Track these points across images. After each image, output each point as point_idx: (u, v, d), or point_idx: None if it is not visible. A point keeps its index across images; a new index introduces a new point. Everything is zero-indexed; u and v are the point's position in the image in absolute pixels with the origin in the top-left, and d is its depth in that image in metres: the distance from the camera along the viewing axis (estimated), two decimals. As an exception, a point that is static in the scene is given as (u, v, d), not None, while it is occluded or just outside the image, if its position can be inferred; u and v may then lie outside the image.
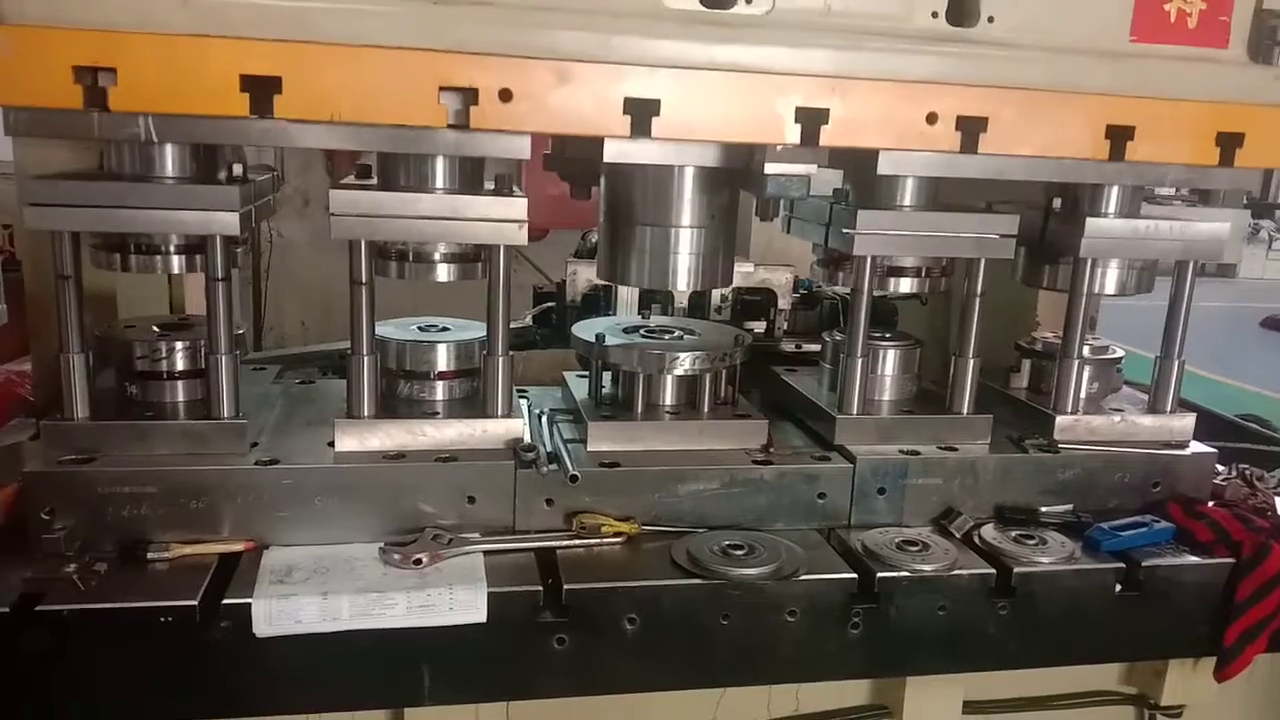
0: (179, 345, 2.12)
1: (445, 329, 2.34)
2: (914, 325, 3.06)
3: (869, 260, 2.21)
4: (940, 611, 2.02)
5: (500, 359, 2.11)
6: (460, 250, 2.09)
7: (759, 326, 3.12)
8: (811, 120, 1.92)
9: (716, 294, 3.07)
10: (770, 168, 2.00)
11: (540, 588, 1.89)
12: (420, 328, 2.34)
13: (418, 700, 1.90)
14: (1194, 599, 2.15)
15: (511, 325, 3.11)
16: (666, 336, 2.41)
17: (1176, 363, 2.41)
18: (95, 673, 1.75)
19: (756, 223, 4.58)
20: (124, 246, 1.97)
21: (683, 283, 2.27)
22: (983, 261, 2.25)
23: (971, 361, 2.33)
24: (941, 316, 3.27)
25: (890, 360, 2.45)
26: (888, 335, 2.52)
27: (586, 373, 2.45)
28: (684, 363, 2.27)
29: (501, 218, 1.98)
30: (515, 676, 1.93)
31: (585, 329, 2.41)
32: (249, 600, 1.77)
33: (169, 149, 1.93)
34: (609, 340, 2.31)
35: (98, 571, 1.79)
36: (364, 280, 2.01)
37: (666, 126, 1.87)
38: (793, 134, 1.92)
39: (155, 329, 2.20)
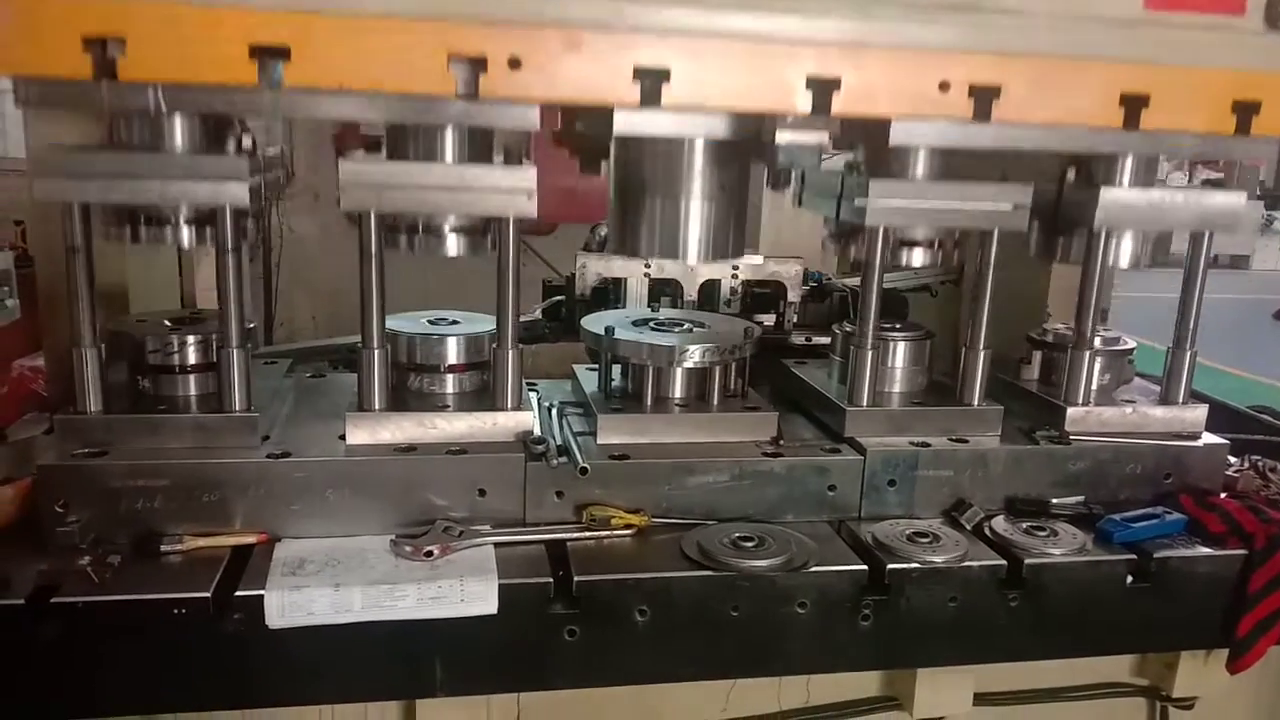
0: (190, 339, 2.13)
1: (455, 322, 2.35)
2: (924, 316, 3.05)
3: (881, 231, 2.17)
4: (951, 603, 2.02)
5: (510, 351, 2.11)
6: (469, 223, 2.07)
7: (768, 319, 3.12)
8: (823, 89, 1.88)
9: (726, 286, 3.06)
10: (781, 136, 1.99)
11: (551, 579, 1.89)
12: (430, 321, 2.34)
13: (429, 691, 1.91)
14: (1206, 591, 2.14)
15: (521, 319, 3.12)
16: (676, 329, 2.41)
17: (1188, 354, 2.40)
18: (109, 664, 1.77)
19: (766, 216, 4.56)
20: (134, 219, 1.96)
21: (693, 255, 2.25)
22: (996, 233, 2.22)
23: (982, 353, 2.32)
24: (952, 307, 3.27)
25: (901, 352, 2.45)
26: (898, 326, 2.51)
27: (596, 366, 2.46)
28: (694, 355, 2.27)
29: (511, 188, 1.96)
30: (526, 668, 1.93)
31: (595, 322, 2.42)
32: (261, 592, 1.78)
33: (178, 121, 1.92)
34: (619, 333, 2.31)
35: (111, 564, 1.80)
36: (373, 252, 1.99)
37: (677, 95, 1.83)
38: (804, 102, 1.88)
39: (167, 323, 2.21)
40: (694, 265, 2.26)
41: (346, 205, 1.93)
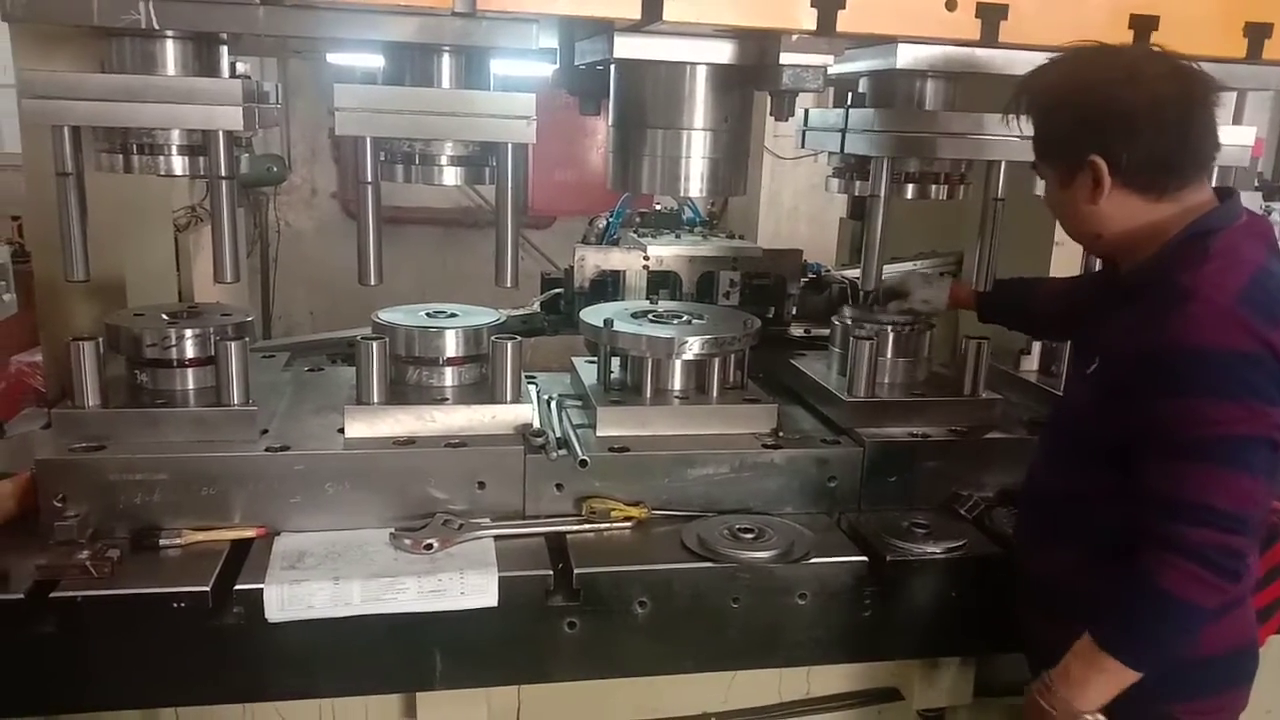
0: (188, 333, 2.12)
1: (454, 315, 2.34)
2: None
3: (886, 163, 2.14)
4: (951, 594, 2.02)
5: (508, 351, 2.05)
6: (467, 152, 2.03)
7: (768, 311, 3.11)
8: (828, 5, 1.84)
9: (725, 279, 3.06)
10: (786, 58, 1.96)
11: (551, 572, 1.89)
12: (428, 314, 2.33)
13: (429, 684, 1.91)
14: (1206, 580, 2.14)
15: (519, 311, 3.11)
16: (675, 321, 2.40)
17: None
18: (108, 659, 1.77)
19: (764, 210, 4.54)
20: (126, 147, 1.92)
21: (694, 188, 2.23)
22: (1003, 165, 2.18)
23: (981, 343, 2.32)
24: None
25: (900, 343, 2.44)
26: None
27: (595, 358, 2.45)
28: (693, 347, 2.26)
29: (509, 114, 1.91)
30: (526, 660, 1.94)
31: (594, 314, 2.41)
32: (261, 586, 1.78)
33: (170, 46, 1.88)
34: (617, 325, 2.30)
35: (110, 558, 1.79)
36: (370, 180, 1.94)
37: (678, 9, 1.78)
38: (809, 19, 1.84)
39: (164, 317, 2.20)
40: (695, 198, 2.17)
41: (342, 130, 1.88)
